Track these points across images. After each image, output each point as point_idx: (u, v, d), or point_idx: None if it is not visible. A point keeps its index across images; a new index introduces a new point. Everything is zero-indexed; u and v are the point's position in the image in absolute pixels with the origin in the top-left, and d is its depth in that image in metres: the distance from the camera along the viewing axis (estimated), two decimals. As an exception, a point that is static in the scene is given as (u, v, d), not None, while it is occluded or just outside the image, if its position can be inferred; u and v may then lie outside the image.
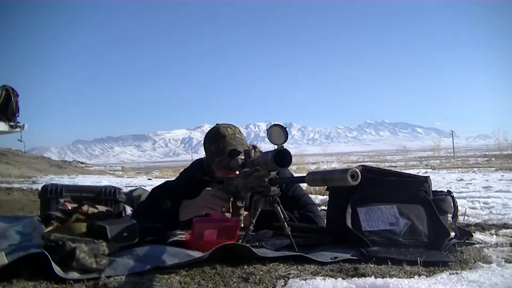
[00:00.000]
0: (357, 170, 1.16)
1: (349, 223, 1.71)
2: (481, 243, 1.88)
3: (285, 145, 1.53)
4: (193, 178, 2.11)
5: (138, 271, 1.34)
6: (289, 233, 1.59)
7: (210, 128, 2.07)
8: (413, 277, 1.31)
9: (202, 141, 2.11)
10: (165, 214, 1.90)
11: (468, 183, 5.47)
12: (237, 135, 1.99)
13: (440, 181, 6.14)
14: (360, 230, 1.68)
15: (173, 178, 2.22)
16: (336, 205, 1.84)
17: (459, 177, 6.64)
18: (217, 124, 2.04)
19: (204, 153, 2.10)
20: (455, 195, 1.95)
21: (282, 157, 1.47)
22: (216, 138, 1.97)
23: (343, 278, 1.30)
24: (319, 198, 3.81)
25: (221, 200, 1.81)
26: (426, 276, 1.33)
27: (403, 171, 2.39)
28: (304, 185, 2.21)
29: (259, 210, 1.61)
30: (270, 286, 1.27)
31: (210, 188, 1.89)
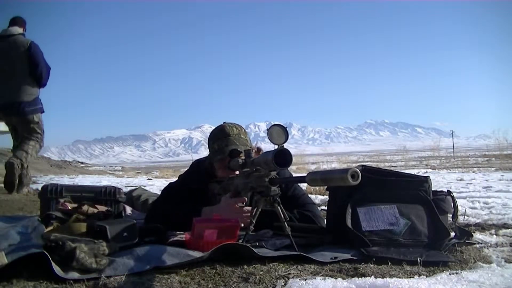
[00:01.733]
0: (358, 170, 1.16)
1: (349, 223, 1.71)
2: (481, 243, 1.88)
3: (285, 145, 1.53)
4: (194, 179, 2.11)
5: (138, 271, 1.34)
6: (289, 233, 1.60)
7: (216, 126, 2.08)
8: (413, 277, 1.31)
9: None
10: (185, 216, 1.80)
11: (468, 183, 5.47)
12: (242, 136, 1.99)
13: (440, 181, 6.13)
14: (360, 230, 1.68)
15: (174, 178, 2.22)
16: (336, 205, 1.84)
17: (459, 177, 6.63)
18: (224, 123, 2.04)
19: (206, 152, 2.11)
20: (455, 195, 1.95)
21: (282, 157, 1.47)
22: (220, 137, 1.97)
23: (343, 278, 1.30)
24: (319, 198, 3.80)
25: (246, 209, 1.79)
26: (426, 276, 1.33)
27: (403, 171, 2.39)
28: (304, 185, 2.20)
29: (259, 210, 1.61)
30: (270, 286, 1.27)
31: (228, 197, 1.84)
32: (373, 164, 8.34)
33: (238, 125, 2.03)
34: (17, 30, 4.24)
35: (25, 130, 4.17)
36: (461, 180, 6.12)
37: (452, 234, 1.82)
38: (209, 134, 2.06)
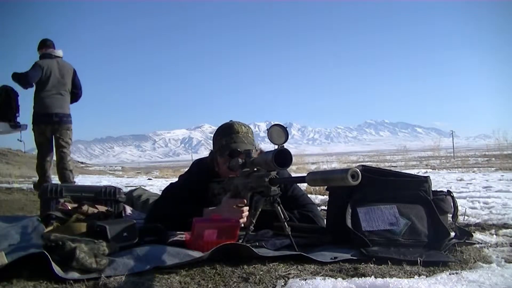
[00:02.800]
0: (358, 170, 1.16)
1: (349, 223, 1.71)
2: (481, 243, 1.88)
3: (285, 145, 1.53)
4: (194, 179, 2.11)
5: (138, 271, 1.34)
6: (289, 233, 1.60)
7: (223, 123, 2.07)
8: (413, 277, 1.31)
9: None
10: (186, 216, 1.78)
11: (468, 183, 5.47)
12: (250, 135, 2.01)
13: (440, 181, 6.13)
14: (360, 230, 1.68)
15: (174, 178, 2.23)
16: (336, 205, 1.84)
17: (459, 177, 6.63)
18: (231, 121, 2.05)
19: (206, 152, 2.11)
20: (455, 195, 1.95)
21: (282, 157, 1.47)
22: (230, 133, 1.97)
23: (343, 278, 1.30)
24: (319, 198, 3.81)
25: (245, 209, 1.77)
26: (426, 276, 1.33)
27: (403, 171, 2.39)
28: (304, 185, 2.20)
29: (259, 210, 1.61)
30: (270, 286, 1.27)
31: (229, 198, 1.83)
32: (373, 164, 8.33)
33: (246, 124, 2.05)
34: (61, 53, 5.13)
35: (64, 135, 5.05)
36: (461, 180, 6.12)
37: (452, 234, 1.82)
38: (216, 130, 2.05)
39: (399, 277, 1.33)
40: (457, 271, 1.38)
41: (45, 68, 4.86)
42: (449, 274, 1.34)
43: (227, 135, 1.97)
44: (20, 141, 5.36)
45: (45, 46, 5.02)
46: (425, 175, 2.04)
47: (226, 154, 1.93)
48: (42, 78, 4.85)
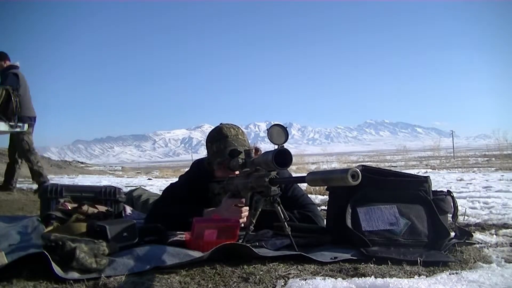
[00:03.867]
0: (358, 170, 1.16)
1: (349, 223, 1.71)
2: (481, 243, 1.88)
3: (285, 145, 1.53)
4: (194, 179, 2.11)
5: (138, 271, 1.34)
6: (289, 233, 1.60)
7: (213, 127, 2.07)
8: (413, 277, 1.31)
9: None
10: (186, 216, 1.79)
11: (468, 183, 5.47)
12: (240, 136, 1.99)
13: (440, 181, 6.13)
14: (360, 230, 1.68)
15: (174, 178, 2.23)
16: (336, 205, 1.84)
17: (459, 177, 6.63)
18: (221, 124, 2.04)
19: (205, 151, 2.11)
20: (455, 195, 1.95)
21: (282, 157, 1.47)
22: (218, 138, 1.97)
23: (343, 278, 1.30)
24: (319, 198, 3.81)
25: (244, 209, 1.78)
26: (426, 276, 1.33)
27: (403, 171, 2.39)
28: (304, 185, 2.20)
29: (259, 210, 1.61)
30: (270, 286, 1.27)
31: (229, 198, 1.83)
32: (373, 164, 8.33)
33: (235, 126, 2.03)
34: (19, 64, 5.57)
35: None
36: (461, 180, 6.12)
37: (452, 234, 1.82)
38: (207, 135, 2.07)
39: (399, 277, 1.33)
40: (457, 271, 1.38)
41: (21, 77, 5.30)
42: (449, 274, 1.34)
43: (216, 141, 1.97)
44: (20, 141, 5.40)
45: (7, 58, 5.46)
46: (425, 175, 2.04)
47: (218, 161, 1.93)
48: (21, 86, 5.22)
